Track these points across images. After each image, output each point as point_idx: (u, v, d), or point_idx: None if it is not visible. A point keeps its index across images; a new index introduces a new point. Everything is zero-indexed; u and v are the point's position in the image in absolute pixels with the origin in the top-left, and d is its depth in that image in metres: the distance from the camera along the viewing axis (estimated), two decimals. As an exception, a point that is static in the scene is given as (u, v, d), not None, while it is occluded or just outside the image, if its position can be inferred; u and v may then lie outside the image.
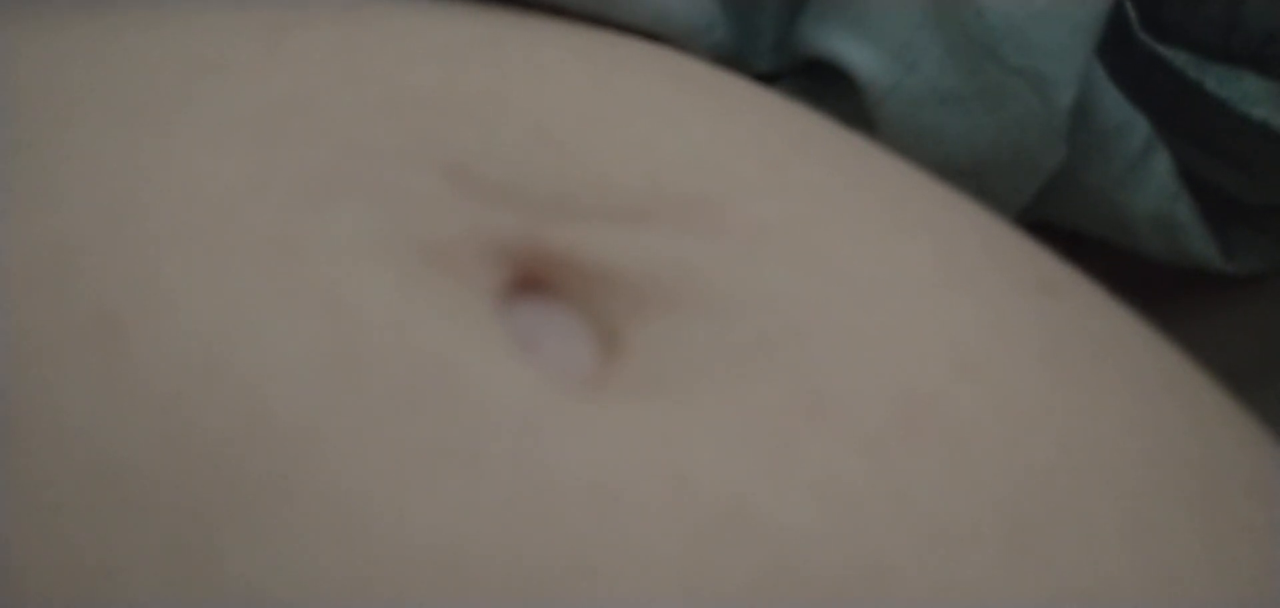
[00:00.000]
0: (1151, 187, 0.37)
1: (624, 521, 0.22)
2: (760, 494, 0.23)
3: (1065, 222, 0.37)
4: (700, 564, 0.22)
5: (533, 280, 0.25)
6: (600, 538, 0.22)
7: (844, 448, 0.24)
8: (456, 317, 0.24)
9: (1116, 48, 0.36)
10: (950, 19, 0.35)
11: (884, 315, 0.26)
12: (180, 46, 0.26)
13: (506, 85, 0.27)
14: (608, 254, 0.25)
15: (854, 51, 0.35)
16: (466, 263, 0.24)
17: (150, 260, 0.23)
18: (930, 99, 0.35)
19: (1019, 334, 0.27)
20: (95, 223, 0.23)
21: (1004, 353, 0.26)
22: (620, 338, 0.25)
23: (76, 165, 0.24)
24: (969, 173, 0.35)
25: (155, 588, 0.21)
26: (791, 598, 0.22)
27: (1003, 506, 0.24)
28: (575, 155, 0.26)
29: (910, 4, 0.35)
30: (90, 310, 0.23)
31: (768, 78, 0.36)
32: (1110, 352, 0.28)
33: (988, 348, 0.26)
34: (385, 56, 0.27)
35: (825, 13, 0.36)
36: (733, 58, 0.36)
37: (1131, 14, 0.36)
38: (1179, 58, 0.37)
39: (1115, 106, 0.36)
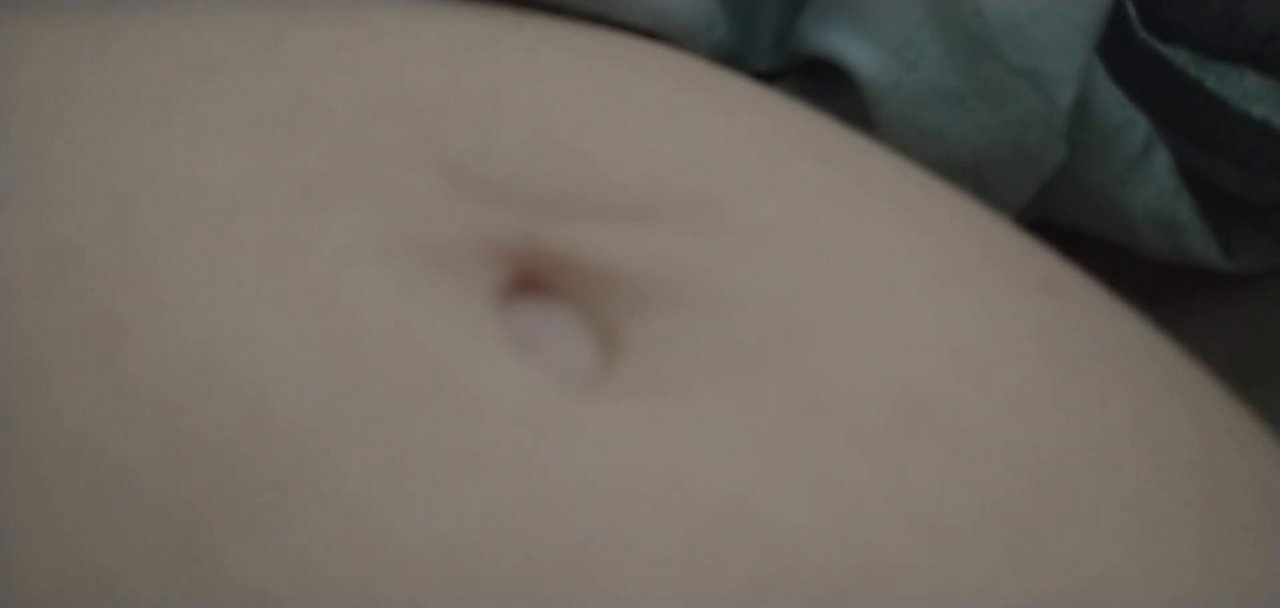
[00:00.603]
0: (1152, 185, 0.37)
1: (623, 521, 0.22)
2: (760, 494, 0.23)
3: (1066, 220, 0.37)
4: (700, 565, 0.22)
5: (532, 280, 0.25)
6: (599, 538, 0.22)
7: (845, 447, 0.24)
8: (456, 317, 0.24)
9: (1117, 46, 0.36)
10: (950, 17, 0.35)
11: (884, 314, 0.26)
12: (179, 46, 0.26)
13: (506, 85, 0.27)
14: (607, 254, 0.25)
15: (854, 50, 0.35)
16: (466, 263, 0.24)
17: (149, 261, 0.23)
18: (931, 98, 0.35)
19: (1020, 333, 0.27)
20: (94, 223, 0.23)
21: (1005, 352, 0.26)
22: (620, 338, 0.25)
23: (76, 165, 0.24)
24: (969, 171, 0.35)
25: (154, 588, 0.21)
26: (792, 598, 0.22)
27: (1004, 504, 0.24)
28: (575, 155, 0.26)
29: (910, 2, 0.35)
30: (89, 310, 0.23)
31: (768, 77, 0.36)
32: (1111, 350, 0.28)
33: (988, 347, 0.26)
34: (384, 56, 0.27)
35: (825, 11, 0.36)
36: (733, 56, 0.35)
37: (1132, 12, 0.36)
38: (1179, 56, 0.36)
39: (1116, 105, 0.36)
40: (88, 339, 0.22)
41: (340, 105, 0.25)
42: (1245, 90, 0.37)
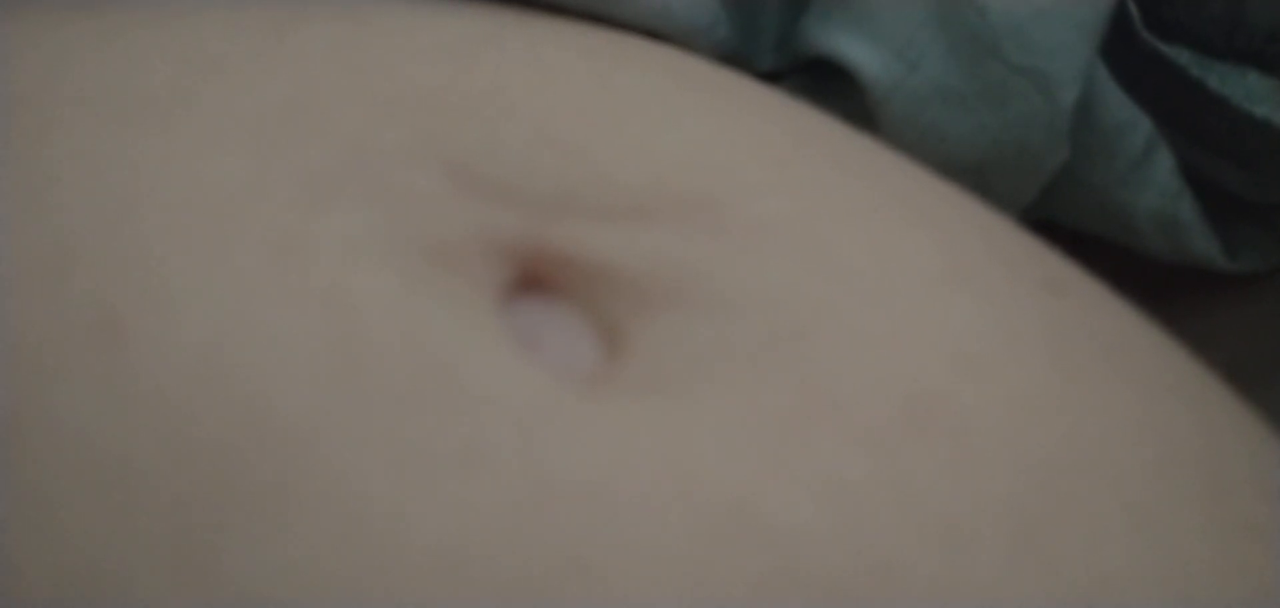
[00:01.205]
0: (1154, 185, 0.37)
1: (627, 520, 0.22)
2: (764, 493, 0.23)
3: (1068, 220, 0.37)
4: (704, 564, 0.22)
5: (535, 279, 0.25)
6: (603, 538, 0.22)
7: (848, 446, 0.24)
8: (459, 316, 0.24)
9: (1119, 46, 0.36)
10: (953, 18, 0.35)
11: (887, 313, 0.26)
12: (182, 45, 0.26)
13: (509, 84, 0.27)
14: (610, 253, 0.25)
15: (857, 50, 0.35)
16: (470, 262, 0.24)
17: (151, 260, 0.23)
18: (933, 98, 0.35)
19: (1023, 332, 0.26)
20: (96, 222, 0.23)
21: (1008, 351, 0.26)
22: (623, 336, 0.25)
23: (77, 164, 0.24)
24: (972, 171, 0.35)
25: (154, 589, 0.21)
26: (796, 597, 0.22)
27: (1008, 503, 0.24)
28: (577, 154, 0.26)
29: (913, 3, 0.35)
30: (91, 310, 0.23)
31: (770, 77, 0.36)
32: (1114, 349, 0.28)
33: (992, 346, 0.26)
34: (387, 55, 0.27)
35: (828, 12, 0.36)
36: (734, 57, 0.35)
37: (1134, 12, 0.36)
38: (1181, 56, 0.37)
39: (1118, 105, 0.36)
40: (89, 339, 0.22)
41: (343, 105, 0.25)
42: (1247, 90, 0.37)
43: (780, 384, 0.24)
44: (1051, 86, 0.35)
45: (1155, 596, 0.24)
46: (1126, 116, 0.36)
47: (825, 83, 0.36)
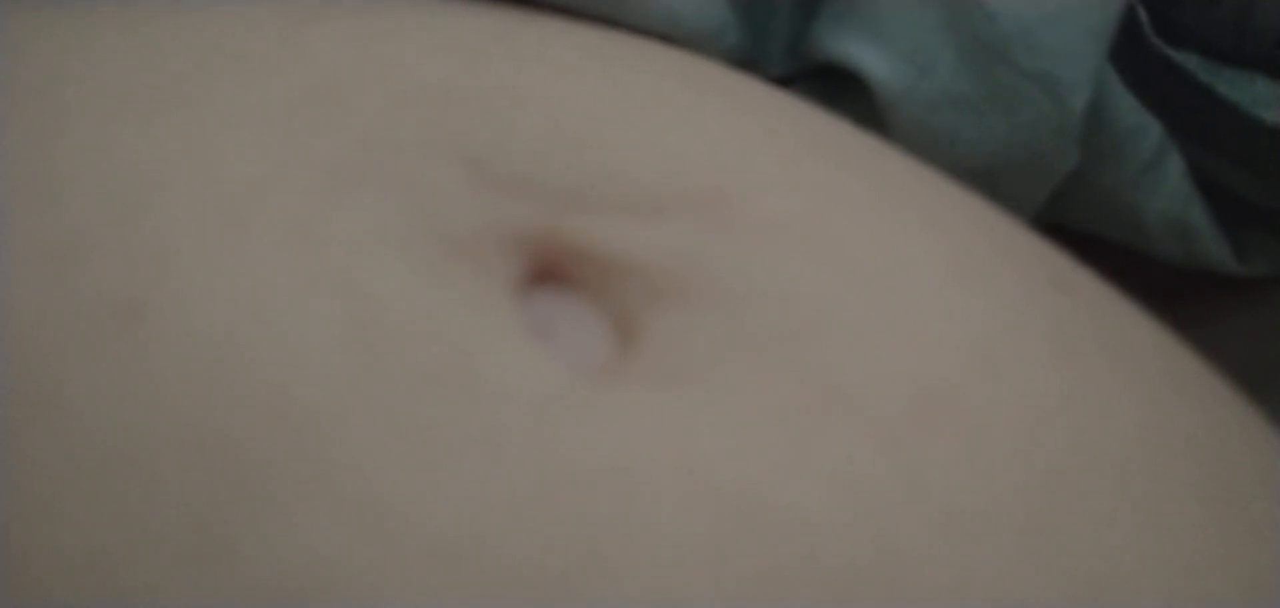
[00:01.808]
0: (1165, 189, 0.37)
1: (641, 508, 0.22)
2: (777, 484, 0.23)
3: (1079, 225, 0.37)
4: (717, 552, 0.22)
5: (548, 272, 0.25)
6: (618, 525, 0.22)
7: (860, 439, 0.24)
8: (475, 306, 0.24)
9: (1128, 51, 0.36)
10: (963, 23, 0.35)
11: (898, 309, 0.26)
12: (201, 37, 0.27)
13: (522, 80, 0.27)
14: (623, 246, 0.25)
15: (867, 56, 0.35)
16: (485, 253, 0.24)
17: (169, 248, 0.23)
18: (943, 103, 0.35)
19: (1032, 329, 0.27)
20: (114, 210, 0.24)
21: (1017, 347, 0.26)
22: (635, 328, 0.25)
23: (94, 154, 0.24)
24: (982, 176, 0.35)
25: (171, 579, 0.21)
26: (809, 588, 0.22)
27: (1017, 496, 0.24)
28: (591, 149, 0.26)
29: (923, 9, 0.35)
30: (108, 297, 0.23)
31: (780, 82, 0.36)
32: (1121, 348, 0.28)
33: (1001, 342, 0.26)
34: (402, 50, 0.27)
35: (838, 18, 0.36)
36: (745, 62, 0.36)
37: (1143, 17, 0.36)
38: (1191, 62, 0.37)
39: (1128, 110, 0.36)
40: (106, 326, 0.22)
41: (359, 97, 0.26)
42: (1256, 95, 0.37)
43: (792, 377, 0.24)
44: (1061, 91, 0.35)
45: (1162, 588, 0.24)
46: (1137, 121, 0.36)
47: (835, 88, 0.36)
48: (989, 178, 0.35)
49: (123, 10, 0.27)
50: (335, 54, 0.26)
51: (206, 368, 0.22)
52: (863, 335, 0.25)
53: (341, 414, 0.22)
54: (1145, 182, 0.37)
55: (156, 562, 0.21)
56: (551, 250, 0.25)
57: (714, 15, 0.34)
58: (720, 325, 0.25)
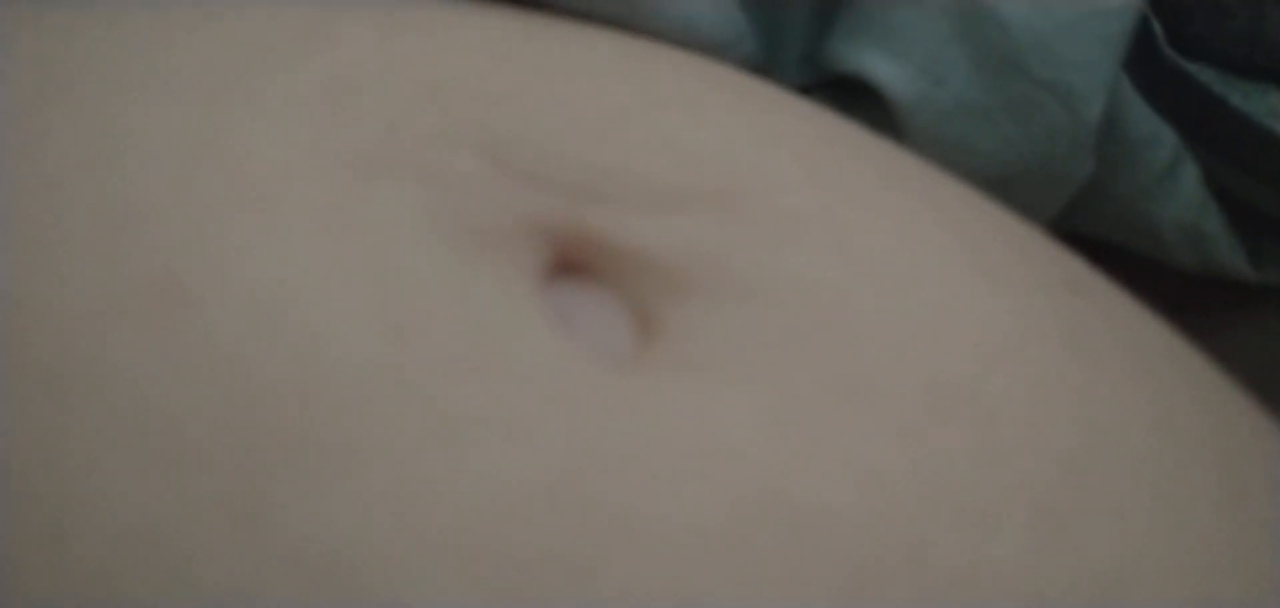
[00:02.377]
0: (1180, 197, 0.37)
1: (667, 494, 0.22)
2: (796, 475, 0.23)
3: (1094, 232, 0.37)
4: (739, 541, 0.22)
5: (570, 263, 0.25)
6: (643, 510, 0.22)
7: (878, 431, 0.24)
8: (501, 292, 0.24)
9: (1142, 63, 0.36)
10: (977, 33, 0.35)
11: (914, 305, 0.26)
12: (233, 34, 0.27)
13: (543, 77, 0.27)
14: (644, 239, 0.25)
15: (882, 66, 0.36)
16: (510, 242, 0.25)
17: (212, 223, 0.24)
18: (958, 113, 0.35)
19: (1046, 327, 0.27)
20: (159, 188, 0.24)
21: (1032, 344, 0.26)
22: (655, 320, 0.25)
23: (142, 136, 0.25)
24: (997, 185, 0.35)
25: (210, 546, 0.21)
26: (827, 577, 0.22)
27: (1032, 489, 0.24)
28: (610, 144, 0.26)
29: (938, 19, 0.35)
30: (151, 271, 0.23)
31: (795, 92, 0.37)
32: (1133, 347, 0.28)
33: (1016, 339, 0.26)
34: (424, 47, 0.27)
35: (854, 28, 0.36)
36: (760, 72, 0.36)
37: (1157, 29, 0.36)
38: (1204, 74, 0.37)
39: (1143, 119, 0.36)
40: (148, 299, 0.23)
41: (384, 89, 0.26)
42: (1269, 108, 0.37)
43: (809, 370, 0.24)
44: (1076, 101, 0.35)
45: (1176, 580, 0.24)
46: (1152, 130, 0.36)
47: (849, 99, 0.36)
48: (1004, 187, 0.35)
49: (163, 16, 0.27)
50: (357, 49, 0.27)
51: (245, 338, 0.23)
52: (880, 330, 0.25)
53: (376, 387, 0.22)
54: (1160, 190, 0.37)
55: (197, 529, 0.22)
56: (573, 242, 0.25)
57: (730, 25, 0.35)
58: (739, 318, 0.25)
